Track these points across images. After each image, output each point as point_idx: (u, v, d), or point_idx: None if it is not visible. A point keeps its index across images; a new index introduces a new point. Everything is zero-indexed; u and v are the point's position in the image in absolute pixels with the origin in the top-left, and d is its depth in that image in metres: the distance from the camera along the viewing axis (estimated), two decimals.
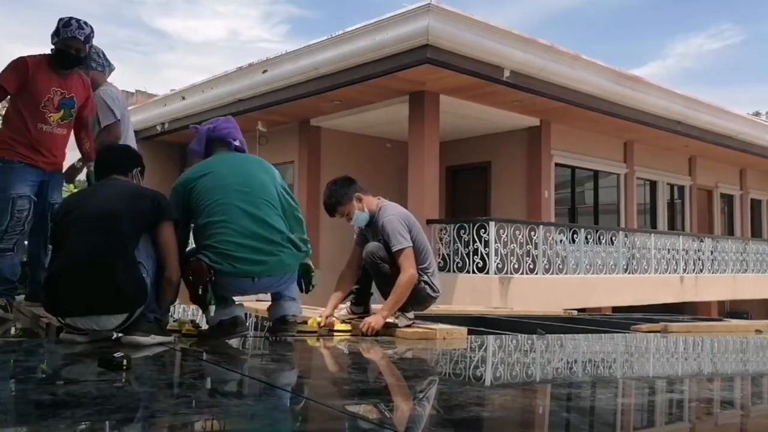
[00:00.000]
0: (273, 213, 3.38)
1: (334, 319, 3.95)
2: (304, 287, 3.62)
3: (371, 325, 3.71)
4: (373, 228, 3.98)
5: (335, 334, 3.85)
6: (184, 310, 4.65)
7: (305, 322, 3.89)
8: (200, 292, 3.18)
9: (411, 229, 3.88)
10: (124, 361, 2.29)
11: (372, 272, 3.93)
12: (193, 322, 3.49)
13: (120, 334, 2.98)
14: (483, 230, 9.53)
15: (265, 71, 10.96)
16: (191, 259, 3.24)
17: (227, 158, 3.54)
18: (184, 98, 13.00)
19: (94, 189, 3.42)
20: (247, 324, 3.53)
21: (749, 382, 2.97)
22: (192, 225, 3.38)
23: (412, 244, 3.81)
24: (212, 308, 3.37)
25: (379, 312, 3.82)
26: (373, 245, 3.87)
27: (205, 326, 3.48)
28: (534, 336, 4.24)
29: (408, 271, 3.72)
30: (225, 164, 3.49)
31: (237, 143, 3.63)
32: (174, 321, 3.54)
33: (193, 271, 3.17)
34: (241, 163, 3.54)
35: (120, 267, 2.89)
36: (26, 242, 4.17)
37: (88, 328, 2.94)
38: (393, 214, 3.88)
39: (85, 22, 4.00)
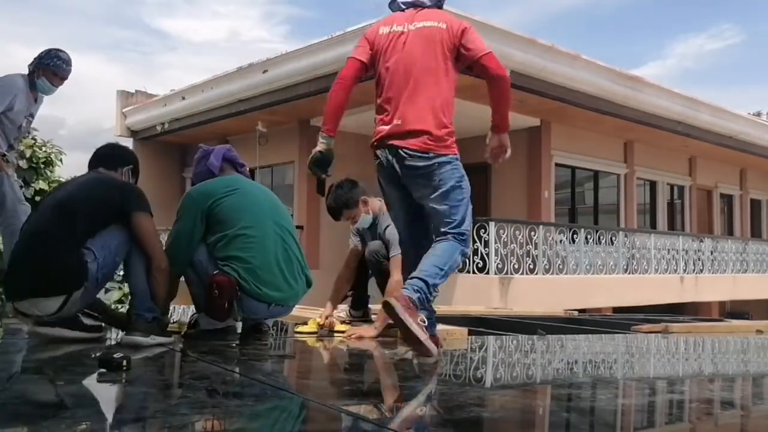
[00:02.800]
0: (294, 243, 3.47)
1: (333, 319, 3.95)
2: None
3: (359, 335, 3.67)
4: (373, 229, 3.98)
5: (335, 334, 3.84)
6: (184, 311, 4.65)
7: (305, 323, 3.89)
8: (225, 306, 3.14)
9: None
10: (124, 362, 2.29)
11: (373, 270, 3.92)
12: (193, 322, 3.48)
13: (120, 334, 2.97)
14: (483, 230, 9.53)
15: (265, 71, 10.97)
16: (215, 272, 3.16)
17: (247, 181, 3.61)
18: (184, 98, 13.00)
19: (74, 179, 3.41)
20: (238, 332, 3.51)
21: (750, 382, 2.97)
22: (212, 238, 3.29)
23: None
24: (239, 324, 3.39)
25: (374, 323, 3.78)
26: (376, 244, 3.87)
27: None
28: (534, 336, 4.24)
29: (395, 278, 3.62)
30: (250, 185, 3.57)
31: (245, 168, 3.71)
32: (173, 322, 3.53)
33: (220, 284, 3.10)
34: (264, 189, 3.67)
35: (56, 249, 2.85)
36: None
37: (31, 313, 2.92)
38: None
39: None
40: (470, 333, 3.95)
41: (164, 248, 3.28)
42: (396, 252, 3.73)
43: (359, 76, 3.20)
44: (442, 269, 2.87)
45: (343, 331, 3.86)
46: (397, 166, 2.94)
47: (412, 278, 2.84)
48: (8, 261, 3.04)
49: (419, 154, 2.90)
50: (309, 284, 3.51)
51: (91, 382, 2.21)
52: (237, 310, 3.23)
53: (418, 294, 2.77)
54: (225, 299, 3.13)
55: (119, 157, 3.39)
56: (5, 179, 4.32)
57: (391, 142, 2.95)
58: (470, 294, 9.29)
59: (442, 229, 2.91)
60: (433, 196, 2.92)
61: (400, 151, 2.92)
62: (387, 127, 2.98)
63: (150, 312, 3.00)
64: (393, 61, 3.01)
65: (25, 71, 4.43)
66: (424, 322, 2.79)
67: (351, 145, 12.88)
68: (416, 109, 2.93)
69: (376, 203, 3.99)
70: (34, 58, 4.41)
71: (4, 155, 4.35)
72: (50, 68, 4.40)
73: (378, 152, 3.04)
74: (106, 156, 3.35)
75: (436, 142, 2.92)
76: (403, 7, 3.12)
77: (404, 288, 2.82)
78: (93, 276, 2.92)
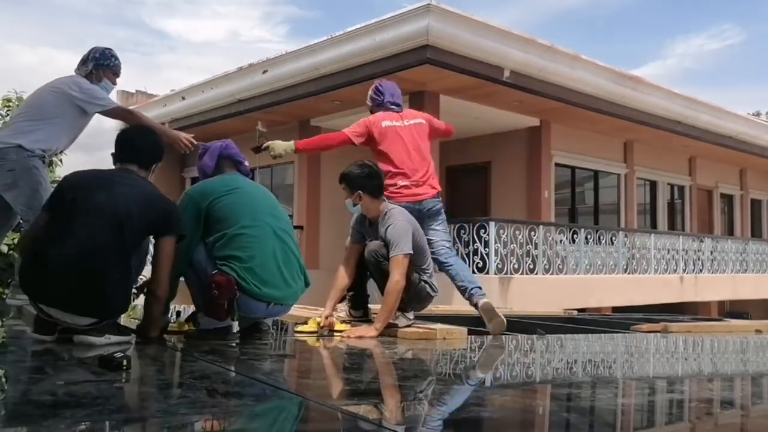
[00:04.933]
0: (292, 242, 3.47)
1: (333, 319, 3.94)
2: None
3: (358, 335, 3.68)
4: (374, 229, 3.97)
5: (335, 334, 3.84)
6: (185, 310, 4.65)
7: (305, 323, 3.89)
8: (224, 306, 3.14)
9: (415, 234, 3.86)
10: (124, 361, 2.29)
11: (373, 270, 3.91)
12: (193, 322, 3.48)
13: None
14: (483, 230, 9.53)
15: (265, 71, 10.96)
16: (214, 272, 3.17)
17: (246, 180, 3.60)
18: (184, 98, 13.00)
19: (111, 178, 3.07)
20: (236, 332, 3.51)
21: (749, 382, 2.97)
22: (211, 237, 3.28)
23: (410, 253, 3.76)
24: (235, 324, 3.38)
25: (374, 324, 3.78)
26: (375, 243, 3.86)
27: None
28: (534, 336, 4.24)
29: (394, 278, 3.64)
30: (249, 185, 3.56)
31: (244, 165, 3.70)
32: (173, 323, 3.53)
33: (219, 284, 3.10)
34: (262, 189, 3.65)
35: (114, 275, 2.81)
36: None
37: (60, 319, 2.83)
38: (402, 220, 3.85)
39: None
40: (470, 333, 3.95)
41: None
42: (396, 252, 3.73)
43: (343, 146, 4.39)
44: None
45: (343, 331, 3.86)
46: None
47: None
48: (47, 261, 2.80)
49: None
50: (307, 284, 3.51)
51: (91, 382, 2.21)
52: (235, 309, 3.23)
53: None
54: (224, 299, 3.13)
55: (154, 155, 3.25)
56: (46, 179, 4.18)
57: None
58: None
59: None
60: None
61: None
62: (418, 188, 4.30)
63: None
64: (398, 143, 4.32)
65: (66, 74, 4.34)
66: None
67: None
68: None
69: (378, 206, 3.97)
70: (89, 61, 4.32)
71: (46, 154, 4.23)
72: (111, 69, 4.37)
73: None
74: (142, 151, 3.19)
75: None
76: (395, 108, 4.55)
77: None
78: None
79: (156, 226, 2.99)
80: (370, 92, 4.66)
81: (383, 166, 4.13)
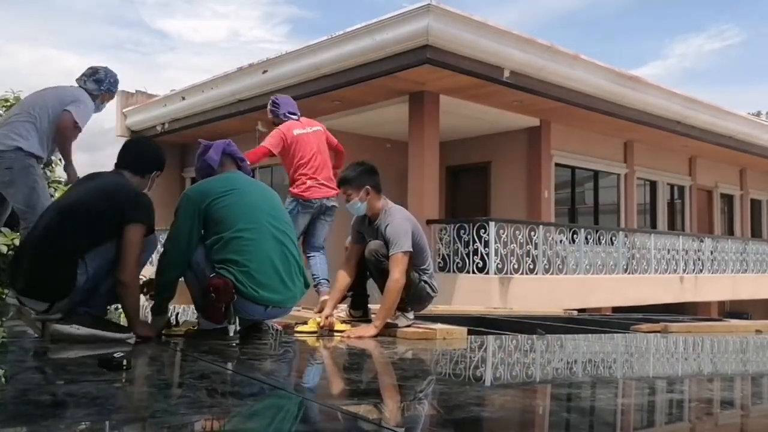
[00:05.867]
0: (292, 244, 3.46)
1: (333, 319, 3.95)
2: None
3: (359, 335, 3.68)
4: (374, 228, 3.97)
5: (335, 334, 3.84)
6: (183, 310, 4.65)
7: (305, 323, 3.89)
8: (222, 309, 3.14)
9: (414, 233, 3.87)
10: (124, 361, 2.29)
11: (373, 269, 3.91)
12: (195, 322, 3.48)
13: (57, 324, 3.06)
14: (483, 230, 9.52)
15: (265, 71, 10.96)
16: (212, 275, 3.16)
17: (246, 179, 3.60)
18: (184, 98, 12.99)
19: (93, 176, 3.38)
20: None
21: (749, 382, 2.97)
22: (209, 240, 3.28)
23: (410, 251, 3.76)
24: (231, 327, 3.39)
25: (373, 322, 3.78)
26: (376, 243, 3.86)
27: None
28: (534, 336, 4.24)
29: (393, 276, 3.65)
30: (248, 184, 3.54)
31: (246, 163, 3.75)
32: (175, 324, 3.52)
33: (216, 287, 3.10)
34: (262, 188, 3.63)
35: (52, 260, 2.99)
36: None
37: (29, 306, 3.07)
38: (401, 218, 3.87)
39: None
40: (470, 333, 3.95)
41: (162, 250, 3.31)
42: (396, 250, 3.73)
43: (265, 159, 4.89)
44: None
45: (342, 331, 3.86)
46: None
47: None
48: (15, 252, 3.25)
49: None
50: (307, 285, 3.50)
51: (91, 382, 2.21)
52: (232, 313, 3.22)
53: None
54: (222, 302, 3.12)
55: (149, 164, 3.39)
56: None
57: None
58: (470, 294, 9.29)
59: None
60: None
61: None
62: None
63: (84, 307, 3.11)
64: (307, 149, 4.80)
65: (68, 83, 4.54)
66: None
67: (350, 144, 12.91)
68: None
69: (380, 202, 3.98)
70: (104, 83, 4.56)
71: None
72: (112, 92, 4.68)
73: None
74: (136, 160, 3.36)
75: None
76: (294, 117, 4.95)
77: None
78: (80, 287, 3.03)
79: (117, 214, 3.08)
80: (269, 106, 5.04)
81: (297, 169, 4.76)
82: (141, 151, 3.45)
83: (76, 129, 4.39)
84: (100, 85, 4.54)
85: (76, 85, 4.57)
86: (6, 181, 4.18)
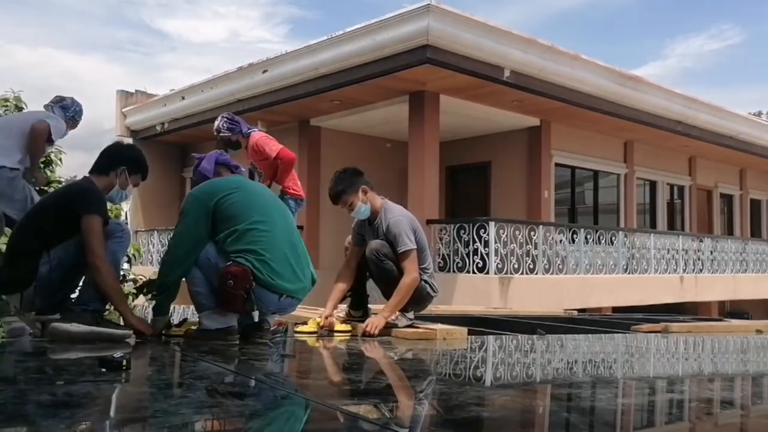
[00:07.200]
0: (298, 238, 3.52)
1: (333, 319, 3.95)
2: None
3: (375, 325, 3.70)
4: (374, 228, 3.97)
5: (335, 334, 3.84)
6: (183, 310, 4.65)
7: (305, 323, 3.89)
8: (242, 296, 3.14)
9: (415, 231, 3.89)
10: (124, 361, 2.29)
11: (374, 269, 3.91)
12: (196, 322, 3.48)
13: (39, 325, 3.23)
14: (483, 230, 9.52)
15: (265, 71, 10.96)
16: (228, 264, 3.16)
17: (248, 180, 3.75)
18: (183, 98, 12.98)
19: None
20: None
21: (750, 382, 2.97)
22: (221, 234, 3.27)
23: (415, 247, 3.82)
24: (255, 314, 3.42)
25: (381, 312, 3.82)
26: (377, 242, 3.87)
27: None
28: (534, 336, 4.24)
29: (411, 274, 3.74)
30: (252, 184, 3.66)
31: (240, 170, 3.93)
32: (176, 325, 3.52)
33: (235, 275, 3.10)
34: (263, 187, 3.77)
35: (16, 254, 3.31)
36: None
37: (11, 303, 3.37)
38: (401, 215, 3.91)
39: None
40: (470, 333, 3.95)
41: (166, 249, 3.34)
42: (403, 247, 3.76)
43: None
44: None
45: (342, 331, 3.86)
46: None
47: None
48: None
49: None
50: (314, 281, 3.51)
51: (91, 382, 2.21)
52: (253, 299, 3.22)
53: None
54: (241, 288, 3.12)
55: (112, 161, 3.52)
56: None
57: None
58: (470, 294, 9.29)
59: None
60: None
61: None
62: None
63: (80, 306, 3.30)
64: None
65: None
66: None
67: (350, 144, 12.92)
68: None
69: (377, 199, 3.99)
70: (69, 111, 4.83)
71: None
72: (76, 121, 4.94)
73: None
74: (98, 161, 3.55)
75: None
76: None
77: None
78: (45, 276, 3.23)
79: (69, 208, 3.27)
80: (224, 124, 5.53)
81: (290, 173, 5.33)
82: (104, 151, 3.60)
83: (49, 141, 4.67)
84: (65, 111, 4.81)
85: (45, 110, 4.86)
86: None
